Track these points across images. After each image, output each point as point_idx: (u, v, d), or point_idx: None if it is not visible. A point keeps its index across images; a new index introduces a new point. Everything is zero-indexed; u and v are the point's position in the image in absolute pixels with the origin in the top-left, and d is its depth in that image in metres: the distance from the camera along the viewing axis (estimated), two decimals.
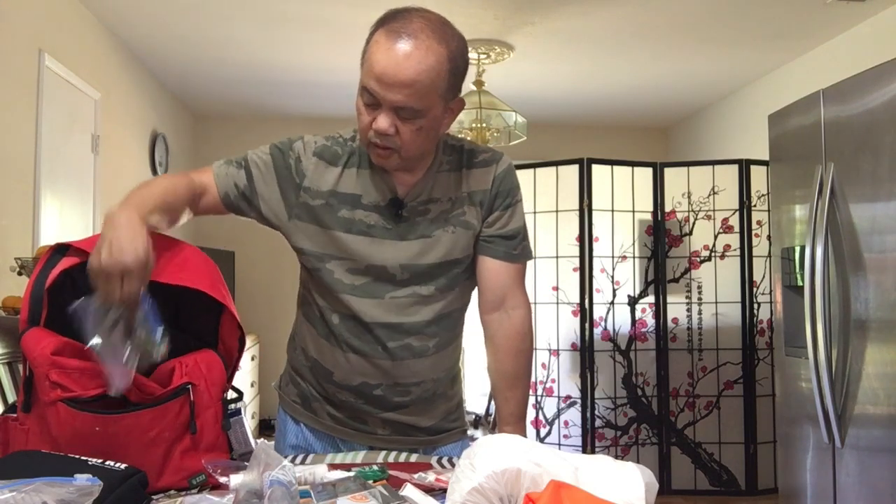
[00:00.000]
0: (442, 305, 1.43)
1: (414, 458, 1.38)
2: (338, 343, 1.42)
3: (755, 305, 4.16)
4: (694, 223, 4.20)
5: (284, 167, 1.39)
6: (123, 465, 0.99)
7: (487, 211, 1.43)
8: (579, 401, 4.11)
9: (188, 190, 1.33)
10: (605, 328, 4.15)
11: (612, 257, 4.16)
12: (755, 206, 4.18)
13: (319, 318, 1.44)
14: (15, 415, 1.11)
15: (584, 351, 4.09)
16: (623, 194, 4.20)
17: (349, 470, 1.14)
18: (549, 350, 4.16)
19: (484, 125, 4.36)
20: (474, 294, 1.52)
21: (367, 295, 1.38)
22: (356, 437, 1.47)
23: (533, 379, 4.18)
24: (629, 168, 4.23)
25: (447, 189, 1.41)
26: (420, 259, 1.39)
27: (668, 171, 4.24)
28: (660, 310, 4.19)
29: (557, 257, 4.12)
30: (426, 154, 1.39)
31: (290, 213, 1.40)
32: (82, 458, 1.00)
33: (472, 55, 4.32)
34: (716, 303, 4.17)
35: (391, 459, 1.36)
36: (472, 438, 1.40)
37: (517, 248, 1.45)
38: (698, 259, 4.19)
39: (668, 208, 4.22)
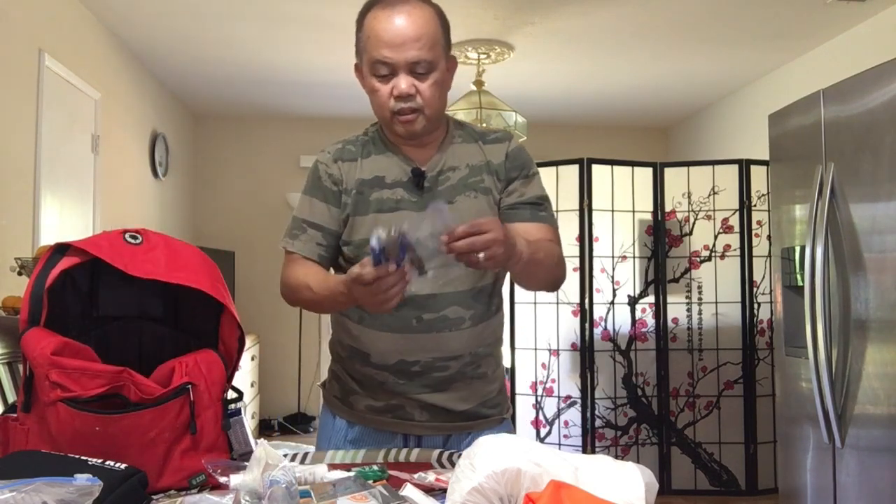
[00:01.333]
0: (476, 276, 1.47)
1: (414, 457, 1.38)
2: (373, 324, 1.46)
3: (755, 305, 4.16)
4: (694, 223, 4.20)
5: (327, 192, 1.49)
6: (123, 465, 0.99)
7: (504, 182, 1.50)
8: (579, 401, 4.11)
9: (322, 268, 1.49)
10: (605, 328, 4.15)
11: (612, 257, 4.16)
12: (755, 206, 4.18)
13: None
14: (15, 415, 1.11)
15: (584, 351, 4.09)
16: (623, 194, 4.20)
17: (349, 470, 1.14)
18: (549, 350, 4.16)
19: (484, 125, 4.35)
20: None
21: None
22: (392, 425, 1.50)
23: (533, 379, 4.19)
24: (629, 168, 4.22)
25: (464, 157, 1.50)
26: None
27: (668, 171, 4.24)
28: (660, 310, 4.19)
29: None
30: (440, 117, 1.47)
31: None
32: (82, 458, 1.00)
33: (472, 55, 4.32)
34: (716, 303, 4.17)
35: (391, 459, 1.36)
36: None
37: (543, 211, 1.51)
38: (698, 259, 4.19)
39: (668, 208, 4.22)
